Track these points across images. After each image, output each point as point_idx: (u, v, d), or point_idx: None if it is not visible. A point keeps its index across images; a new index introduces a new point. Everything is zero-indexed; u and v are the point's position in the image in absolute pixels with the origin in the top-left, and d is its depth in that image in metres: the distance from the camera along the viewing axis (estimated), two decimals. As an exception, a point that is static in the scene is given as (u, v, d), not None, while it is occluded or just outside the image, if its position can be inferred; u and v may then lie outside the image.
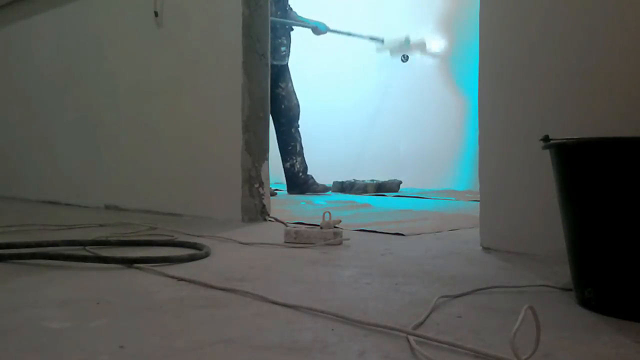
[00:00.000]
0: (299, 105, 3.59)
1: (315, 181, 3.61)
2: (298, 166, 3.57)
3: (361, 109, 4.43)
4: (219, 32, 2.08)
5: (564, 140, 0.87)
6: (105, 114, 2.62)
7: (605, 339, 0.71)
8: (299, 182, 3.57)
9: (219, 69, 2.08)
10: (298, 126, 3.58)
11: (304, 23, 3.59)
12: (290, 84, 3.58)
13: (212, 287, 0.97)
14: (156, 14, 2.29)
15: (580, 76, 1.21)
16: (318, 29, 3.66)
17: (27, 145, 3.17)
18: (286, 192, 3.63)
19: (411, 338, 0.68)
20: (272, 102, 3.48)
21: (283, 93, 3.53)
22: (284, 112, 3.54)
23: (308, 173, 3.61)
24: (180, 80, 2.24)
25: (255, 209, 2.01)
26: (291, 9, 3.61)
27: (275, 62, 3.31)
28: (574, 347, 0.68)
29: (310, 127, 3.89)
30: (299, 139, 3.59)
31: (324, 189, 3.61)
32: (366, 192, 3.62)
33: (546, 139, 0.90)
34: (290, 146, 3.56)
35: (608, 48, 1.18)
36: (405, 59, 4.39)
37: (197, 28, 2.17)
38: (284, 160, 3.59)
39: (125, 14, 2.49)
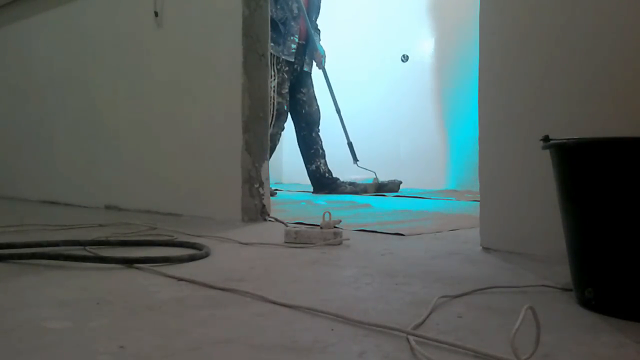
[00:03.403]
0: (319, 111, 3.64)
1: (342, 182, 3.64)
2: (323, 167, 3.63)
3: (361, 109, 4.43)
4: (219, 32, 2.08)
5: (564, 140, 0.87)
6: (105, 114, 2.62)
7: (605, 339, 0.71)
8: (327, 182, 3.62)
9: (219, 69, 2.08)
10: (318, 130, 3.64)
11: (314, 43, 3.58)
12: (311, 90, 3.64)
13: (212, 287, 0.97)
14: (156, 14, 2.29)
15: (581, 76, 1.21)
16: (320, 54, 3.64)
17: (27, 145, 3.16)
18: (312, 193, 3.65)
19: (411, 338, 0.68)
20: (292, 107, 3.58)
21: (304, 98, 3.58)
22: (304, 116, 3.60)
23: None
24: (180, 80, 2.24)
25: (255, 209, 2.01)
26: (318, 30, 3.64)
27: (284, 57, 3.33)
28: (574, 347, 0.68)
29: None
30: (319, 142, 3.65)
31: (352, 191, 3.61)
32: (366, 192, 3.62)
33: (546, 139, 0.90)
34: (313, 149, 3.62)
35: (608, 48, 1.18)
36: (405, 59, 4.39)
37: (197, 28, 2.17)
38: (307, 163, 3.65)
39: (125, 14, 2.49)
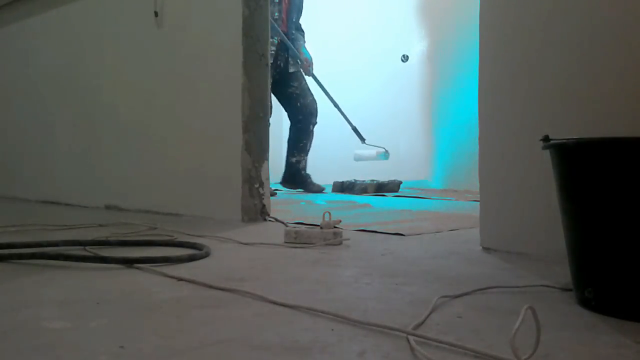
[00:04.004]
0: (315, 102, 3.60)
1: (312, 180, 3.66)
2: (303, 164, 3.63)
3: (361, 109, 4.42)
4: (219, 32, 2.08)
5: (564, 140, 0.87)
6: (105, 114, 2.62)
7: (605, 339, 0.71)
8: (300, 179, 3.62)
9: (219, 69, 2.08)
10: (315, 123, 3.60)
11: (297, 51, 3.53)
12: (304, 83, 3.60)
13: (212, 287, 0.97)
14: (156, 14, 2.29)
15: (581, 76, 1.21)
16: (308, 61, 3.60)
17: (27, 145, 3.16)
18: (280, 182, 3.65)
19: (411, 338, 0.68)
20: (287, 102, 3.55)
21: (297, 92, 3.55)
22: (300, 108, 3.56)
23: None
24: (180, 80, 2.24)
25: (255, 209, 2.01)
26: (301, 31, 3.61)
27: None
28: (574, 347, 0.68)
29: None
30: (311, 138, 3.63)
31: (319, 189, 3.64)
32: (366, 192, 3.62)
33: (546, 139, 0.90)
34: (302, 143, 3.60)
35: (608, 48, 1.17)
36: (405, 59, 4.39)
37: (197, 28, 2.17)
38: (290, 155, 3.63)
39: (125, 14, 2.49)
